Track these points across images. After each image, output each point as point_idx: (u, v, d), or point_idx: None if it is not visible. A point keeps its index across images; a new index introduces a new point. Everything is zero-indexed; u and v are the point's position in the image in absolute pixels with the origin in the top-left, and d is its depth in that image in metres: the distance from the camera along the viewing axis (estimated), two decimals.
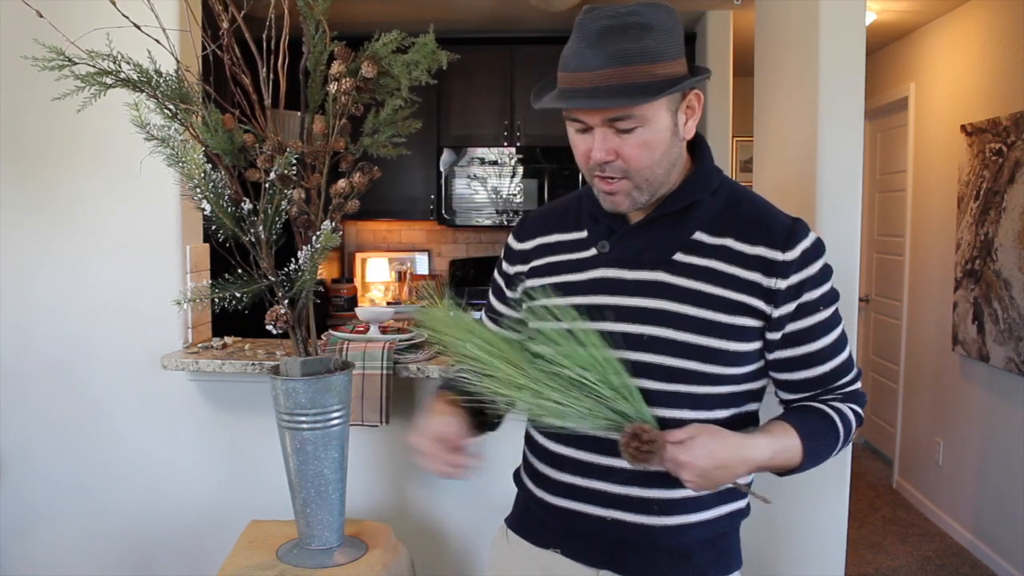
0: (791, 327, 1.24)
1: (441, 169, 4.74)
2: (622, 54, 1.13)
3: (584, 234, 1.32)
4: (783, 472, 1.26)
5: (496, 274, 1.47)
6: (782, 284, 1.21)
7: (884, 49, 4.80)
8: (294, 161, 1.69)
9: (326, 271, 4.90)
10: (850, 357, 1.31)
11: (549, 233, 1.37)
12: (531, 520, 1.38)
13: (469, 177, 4.73)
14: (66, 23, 1.87)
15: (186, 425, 2.45)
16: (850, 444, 1.32)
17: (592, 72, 1.14)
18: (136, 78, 1.68)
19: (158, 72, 1.70)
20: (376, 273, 5.16)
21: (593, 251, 1.30)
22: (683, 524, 1.26)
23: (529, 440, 1.41)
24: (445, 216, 4.78)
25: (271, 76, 1.74)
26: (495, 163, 4.71)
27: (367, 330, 2.33)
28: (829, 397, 1.30)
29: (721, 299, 1.21)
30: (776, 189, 2.85)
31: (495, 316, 1.47)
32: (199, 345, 2.42)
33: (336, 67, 1.72)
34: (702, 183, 1.26)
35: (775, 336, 1.24)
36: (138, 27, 1.72)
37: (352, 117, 1.78)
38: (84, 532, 2.51)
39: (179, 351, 2.38)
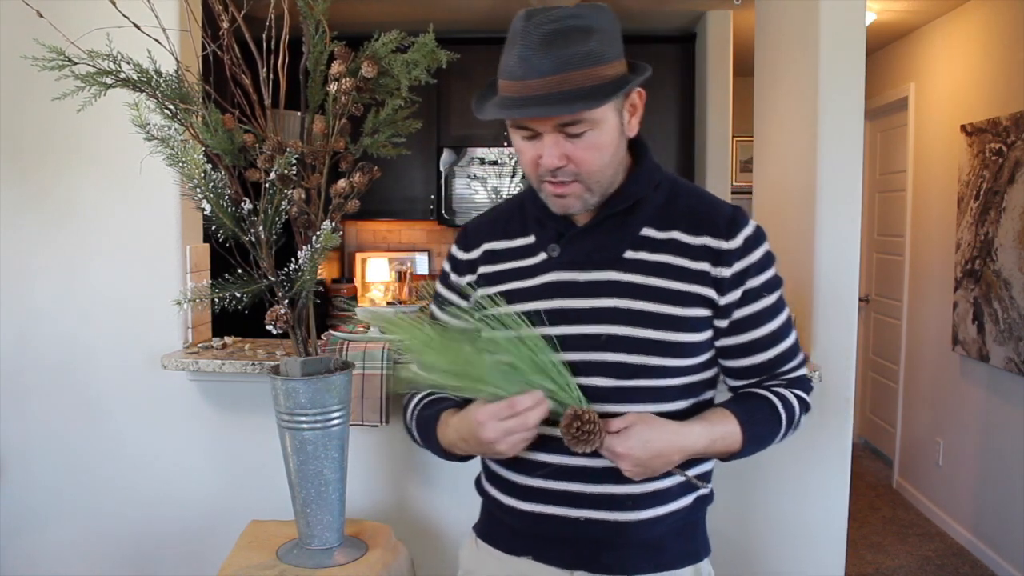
0: (737, 314, 1.27)
1: (441, 169, 4.74)
2: (569, 59, 1.12)
3: (531, 239, 1.32)
4: (725, 457, 1.29)
5: (441, 287, 1.43)
6: (727, 272, 1.24)
7: (884, 49, 4.80)
8: (294, 161, 1.69)
9: (326, 271, 4.90)
10: (795, 343, 1.33)
11: (495, 240, 1.36)
12: (499, 528, 1.37)
13: (469, 177, 4.73)
14: (66, 23, 1.87)
15: (186, 425, 2.45)
16: (797, 429, 1.34)
17: (541, 79, 1.13)
18: (136, 78, 1.68)
19: (158, 72, 1.70)
20: (376, 273, 5.16)
21: (543, 256, 1.29)
22: (655, 517, 1.26)
23: None
24: (445, 216, 4.78)
25: (271, 76, 1.74)
26: (495, 163, 4.71)
27: (367, 330, 2.33)
28: (773, 383, 1.32)
29: (674, 292, 1.23)
30: (776, 189, 2.85)
31: None
32: (199, 345, 2.42)
33: (336, 67, 1.72)
34: (645, 180, 1.28)
35: (723, 324, 1.27)
36: (138, 27, 1.72)
37: (352, 117, 1.78)
38: (84, 532, 2.51)
39: (179, 351, 2.38)
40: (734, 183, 4.73)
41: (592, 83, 1.13)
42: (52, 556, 2.53)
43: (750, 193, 3.28)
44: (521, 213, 1.35)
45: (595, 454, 1.21)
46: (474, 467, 2.36)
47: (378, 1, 3.89)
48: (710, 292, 1.24)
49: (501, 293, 1.31)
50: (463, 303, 1.37)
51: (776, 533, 2.40)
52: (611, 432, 1.16)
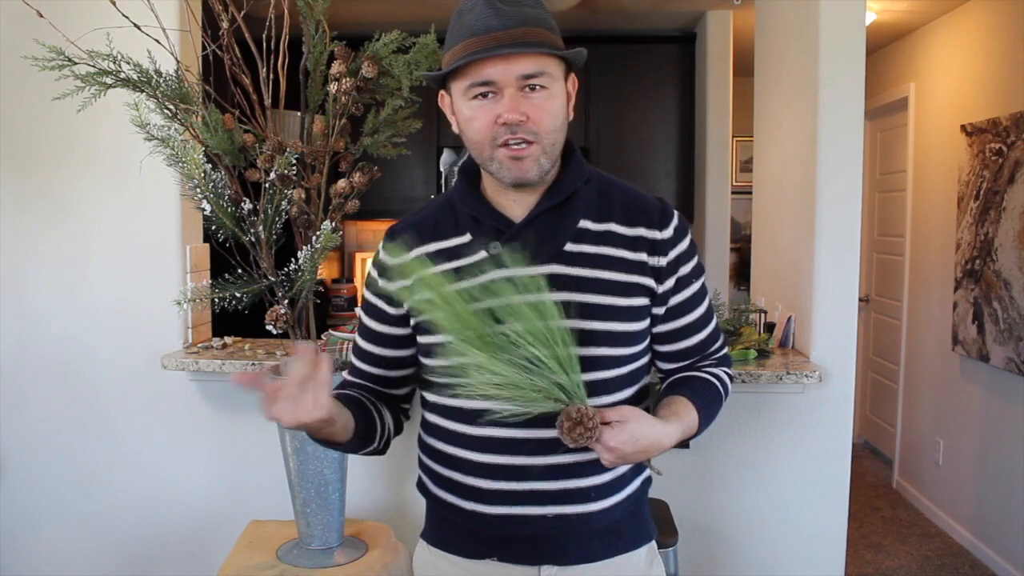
0: (672, 300, 1.31)
1: (441, 169, 4.74)
2: (532, 17, 1.20)
3: (467, 238, 1.28)
4: (681, 440, 1.29)
5: (369, 294, 1.37)
6: (663, 261, 1.28)
7: (884, 49, 4.80)
8: (294, 161, 1.69)
9: (326, 271, 4.90)
10: (717, 324, 1.41)
11: (425, 243, 1.30)
12: (456, 532, 1.35)
13: None
14: (66, 23, 1.87)
15: (186, 425, 2.45)
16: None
17: (507, 30, 1.17)
18: (136, 78, 1.68)
19: (158, 72, 1.70)
20: None
21: (482, 253, 1.26)
22: (614, 504, 1.29)
23: (439, 454, 1.39)
24: None
25: (271, 76, 1.74)
26: None
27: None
28: (705, 363, 1.37)
29: (616, 283, 1.25)
30: (776, 189, 2.85)
31: (368, 355, 1.39)
32: (199, 345, 2.42)
33: (336, 67, 1.72)
34: (576, 173, 1.30)
35: (660, 311, 1.31)
36: (138, 27, 1.72)
37: (352, 117, 1.78)
38: (84, 532, 2.51)
39: (179, 351, 2.38)
40: (734, 183, 4.73)
41: (549, 42, 1.20)
42: (52, 556, 2.53)
43: (750, 193, 3.28)
44: (452, 212, 1.31)
45: (562, 451, 1.21)
46: None
47: (378, 1, 3.89)
48: (649, 281, 1.28)
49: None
50: (391, 309, 1.33)
51: (776, 533, 2.40)
52: (604, 423, 1.15)
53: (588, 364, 1.21)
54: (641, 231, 1.28)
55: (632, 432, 1.16)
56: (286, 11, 1.72)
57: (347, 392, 1.41)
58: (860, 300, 3.11)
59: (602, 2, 4.06)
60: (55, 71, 1.66)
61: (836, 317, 2.39)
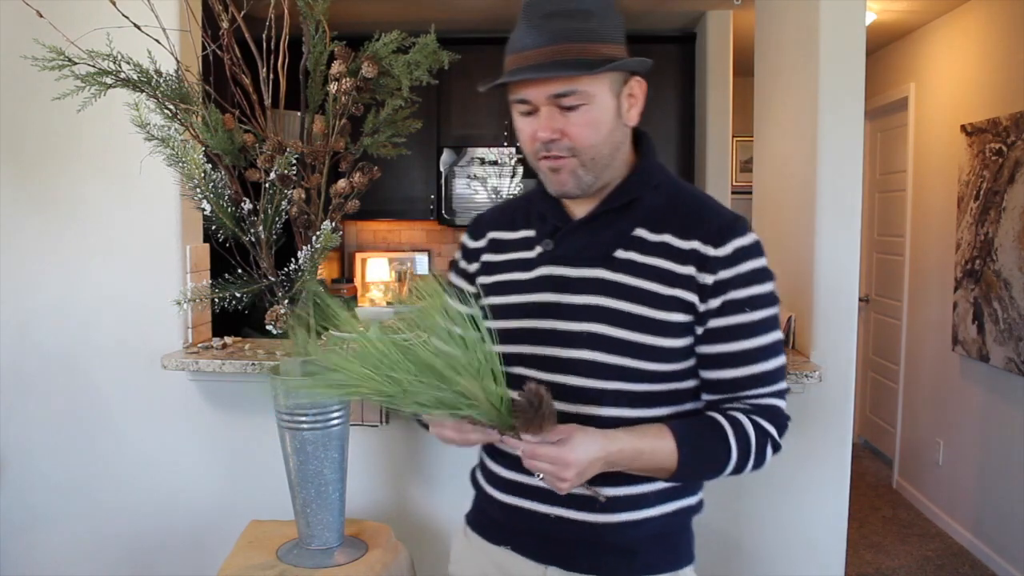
0: (713, 323, 1.22)
1: (441, 169, 4.74)
2: (567, 32, 1.17)
3: (532, 232, 1.34)
4: (672, 477, 1.22)
5: (452, 274, 1.46)
6: (710, 279, 1.20)
7: (884, 49, 4.80)
8: (294, 161, 1.69)
9: (326, 271, 4.90)
10: (775, 371, 1.24)
11: (501, 230, 1.39)
12: (485, 518, 1.40)
13: (469, 177, 4.73)
14: (66, 23, 1.87)
15: (186, 425, 2.45)
16: (761, 462, 1.24)
17: (537, 49, 1.18)
18: (136, 78, 1.68)
19: (158, 72, 1.70)
20: (376, 273, 5.16)
21: (539, 249, 1.31)
22: (627, 521, 1.25)
23: None
24: (445, 216, 4.77)
25: (271, 76, 1.74)
26: (495, 163, 4.71)
27: (367, 331, 2.33)
28: (735, 405, 1.24)
29: (656, 295, 1.21)
30: (776, 189, 2.85)
31: None
32: (199, 345, 2.42)
33: (336, 67, 1.72)
34: (643, 179, 1.28)
35: (700, 331, 1.23)
36: (138, 27, 1.72)
37: (352, 117, 1.78)
38: (84, 532, 2.51)
39: (179, 351, 2.38)
40: (734, 183, 4.73)
41: (587, 56, 1.17)
42: (52, 555, 2.53)
43: (750, 193, 3.28)
44: (528, 206, 1.37)
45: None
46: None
47: (378, 1, 3.89)
48: (692, 297, 1.21)
49: (498, 283, 1.33)
50: (471, 288, 1.39)
51: (776, 533, 2.40)
52: (552, 441, 1.12)
53: (613, 373, 1.22)
54: (695, 244, 1.21)
55: (582, 443, 1.12)
56: (286, 11, 1.72)
57: None
58: (860, 300, 3.11)
59: None
60: (55, 71, 1.66)
61: (836, 317, 2.39)
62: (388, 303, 4.96)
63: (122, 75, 1.68)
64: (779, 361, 1.25)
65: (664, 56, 4.63)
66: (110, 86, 1.69)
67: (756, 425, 1.22)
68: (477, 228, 1.43)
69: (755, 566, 2.41)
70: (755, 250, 1.23)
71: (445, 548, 2.41)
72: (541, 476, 1.14)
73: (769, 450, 1.24)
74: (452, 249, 5.23)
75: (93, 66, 1.67)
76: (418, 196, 4.83)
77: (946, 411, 4.03)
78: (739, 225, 1.23)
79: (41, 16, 1.81)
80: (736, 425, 1.21)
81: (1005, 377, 3.43)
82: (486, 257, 1.38)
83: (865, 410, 5.21)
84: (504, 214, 1.41)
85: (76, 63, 1.67)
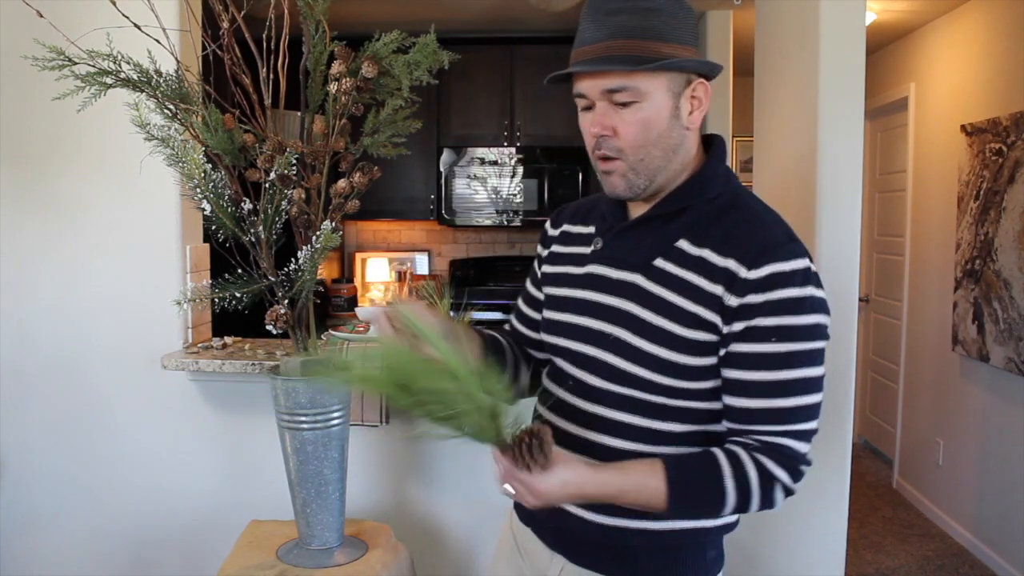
0: (735, 347, 1.16)
1: (441, 169, 4.74)
2: (626, 28, 1.15)
3: (592, 229, 1.36)
4: (664, 515, 1.19)
5: (535, 262, 1.50)
6: (735, 301, 1.15)
7: (884, 49, 4.80)
8: (294, 161, 1.69)
9: (326, 271, 4.90)
10: (798, 409, 1.15)
11: (573, 223, 1.41)
12: None
13: (469, 177, 4.73)
14: (66, 23, 1.87)
15: (186, 425, 2.45)
16: (770, 503, 1.17)
17: (595, 44, 1.17)
18: (136, 78, 1.68)
19: (158, 72, 1.70)
20: (376, 273, 5.16)
21: (592, 247, 1.33)
22: (622, 527, 1.24)
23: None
24: (445, 216, 4.77)
25: (271, 76, 1.74)
26: (495, 163, 4.71)
27: (367, 330, 2.33)
28: (743, 440, 1.18)
29: (683, 311, 1.18)
30: (776, 189, 2.85)
31: (519, 313, 1.51)
32: (199, 345, 2.42)
33: (336, 67, 1.72)
34: (699, 188, 1.24)
35: (722, 352, 1.18)
36: (138, 27, 1.72)
37: (352, 117, 1.78)
38: (84, 532, 2.51)
39: (179, 351, 2.38)
40: None
41: (644, 54, 1.15)
42: (52, 556, 2.53)
43: None
44: (599, 204, 1.38)
45: (577, 447, 1.24)
46: (474, 468, 2.36)
47: (378, 1, 3.89)
48: (714, 317, 1.16)
49: (556, 274, 1.38)
50: (537, 274, 1.46)
51: (776, 533, 2.39)
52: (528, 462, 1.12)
53: (629, 380, 1.22)
54: (730, 263, 1.16)
55: (560, 476, 1.12)
56: (286, 11, 1.72)
57: (491, 333, 1.47)
58: (860, 300, 3.10)
59: None
60: (55, 71, 1.66)
61: (836, 317, 2.37)
62: (388, 303, 4.96)
63: (122, 75, 1.68)
64: (804, 400, 1.15)
65: None
66: (110, 86, 1.69)
67: (759, 466, 1.15)
68: (558, 218, 1.46)
69: (755, 566, 2.41)
70: (796, 278, 1.14)
71: (445, 548, 2.42)
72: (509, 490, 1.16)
73: (778, 493, 1.17)
74: (452, 249, 5.24)
75: (93, 66, 1.67)
76: (418, 196, 4.83)
77: (946, 411, 4.02)
78: (785, 249, 1.15)
79: (41, 16, 1.81)
80: (736, 465, 1.15)
81: (1005, 377, 3.43)
82: (555, 247, 1.42)
83: (865, 410, 5.21)
84: (581, 208, 1.43)
85: (76, 63, 1.67)
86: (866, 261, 5.06)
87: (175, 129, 1.71)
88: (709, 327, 1.17)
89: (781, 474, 1.16)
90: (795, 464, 1.17)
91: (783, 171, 2.77)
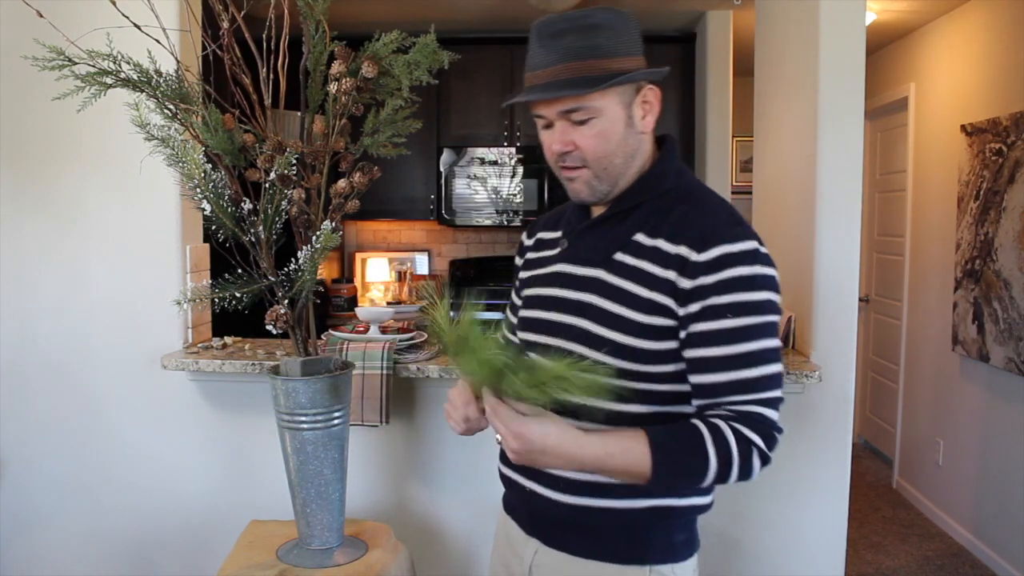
0: (694, 328, 1.22)
1: (441, 169, 4.74)
2: (573, 51, 1.23)
3: (559, 233, 1.44)
4: (648, 484, 1.21)
5: (515, 273, 1.60)
6: (688, 284, 1.22)
7: (884, 49, 4.80)
8: (294, 161, 1.69)
9: (326, 271, 4.90)
10: (763, 378, 1.21)
11: (545, 230, 1.50)
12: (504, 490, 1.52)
13: (469, 177, 4.73)
14: (66, 23, 1.87)
15: (186, 425, 2.45)
16: (748, 472, 1.20)
17: (546, 69, 1.25)
18: (136, 78, 1.68)
19: (158, 72, 1.70)
20: (376, 273, 5.16)
21: (559, 248, 1.42)
22: (589, 506, 1.30)
23: None
24: (445, 216, 4.77)
25: (271, 76, 1.74)
26: (495, 163, 4.71)
27: (367, 330, 2.33)
28: (718, 412, 1.22)
29: (639, 298, 1.25)
30: (776, 189, 2.85)
31: (508, 322, 1.60)
32: (199, 345, 2.42)
33: (336, 67, 1.72)
34: (650, 185, 1.32)
35: (683, 335, 1.24)
36: (138, 27, 1.72)
37: (352, 117, 1.78)
38: (84, 532, 2.51)
39: (179, 351, 2.38)
40: (734, 183, 4.73)
41: (593, 73, 1.22)
42: (52, 556, 2.53)
43: (750, 193, 3.28)
44: (566, 210, 1.47)
45: None
46: (474, 468, 2.36)
47: (378, 1, 3.89)
48: (668, 301, 1.23)
49: (531, 276, 1.47)
50: (517, 282, 1.56)
51: (776, 533, 2.40)
52: (520, 411, 1.18)
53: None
54: (681, 249, 1.23)
55: (543, 425, 1.18)
56: (286, 11, 1.72)
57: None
58: (860, 300, 3.10)
59: (602, 2, 4.06)
60: (55, 71, 1.66)
61: (836, 317, 2.39)
62: (388, 303, 4.96)
63: (122, 75, 1.68)
64: (767, 369, 1.21)
65: (664, 56, 4.62)
66: (110, 86, 1.69)
67: (737, 433, 1.18)
68: (532, 228, 1.56)
69: (755, 566, 2.41)
70: (744, 257, 1.21)
71: (445, 548, 2.42)
72: (499, 439, 1.22)
73: (756, 460, 1.20)
74: (452, 249, 5.24)
75: (93, 66, 1.67)
76: (418, 196, 4.83)
77: (946, 411, 4.03)
78: (730, 232, 1.22)
79: (41, 16, 1.80)
80: (716, 432, 1.18)
81: (1005, 377, 3.43)
82: (529, 255, 1.52)
83: (865, 410, 5.21)
84: (552, 216, 1.52)
85: (76, 63, 1.67)
86: (866, 261, 5.06)
87: (175, 129, 1.71)
88: (665, 312, 1.24)
89: (758, 440, 1.20)
90: (769, 430, 1.21)
91: (783, 171, 2.77)
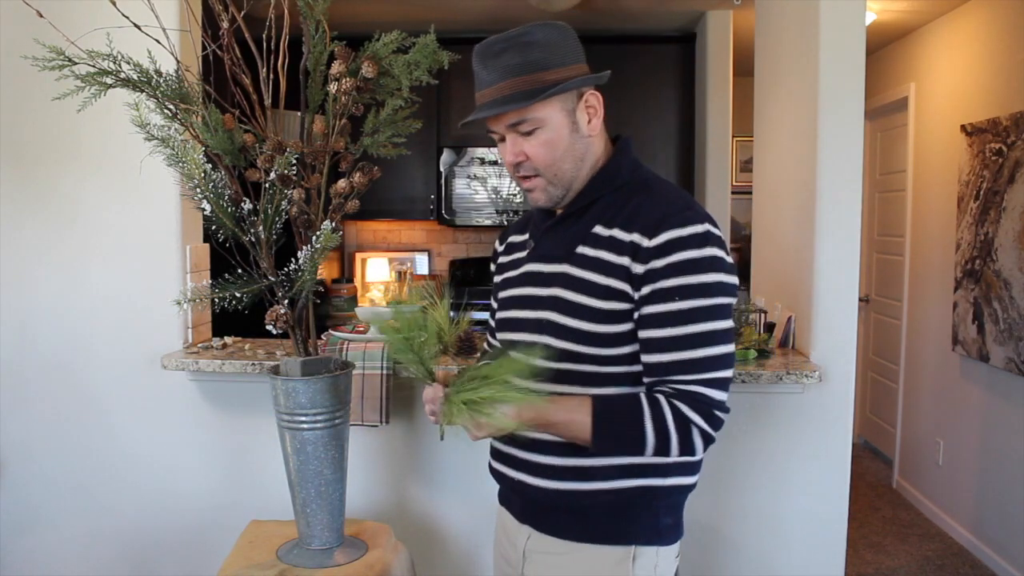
0: (645, 310, 1.29)
1: (441, 169, 4.74)
2: (512, 67, 1.32)
3: (527, 236, 1.53)
4: (594, 449, 1.30)
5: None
6: (640, 269, 1.28)
7: (884, 49, 4.80)
8: (294, 161, 1.69)
9: (326, 271, 4.90)
10: (707, 359, 1.26)
11: (515, 234, 1.59)
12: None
13: (469, 177, 4.73)
14: (66, 23, 1.87)
15: (186, 425, 2.45)
16: (689, 448, 1.27)
17: (490, 87, 1.34)
18: (136, 78, 1.68)
19: (158, 72, 1.70)
20: (376, 273, 5.16)
21: (527, 250, 1.50)
22: (574, 490, 1.36)
23: None
24: (445, 216, 4.78)
25: (271, 76, 1.74)
26: (495, 163, 4.71)
27: (367, 330, 2.33)
28: (662, 388, 1.29)
29: (598, 285, 1.32)
30: (776, 189, 2.85)
31: (488, 324, 1.67)
32: (199, 345, 2.42)
33: (336, 67, 1.72)
34: (604, 181, 1.39)
35: (636, 317, 1.31)
36: (138, 27, 1.72)
37: (352, 117, 1.78)
38: (84, 532, 2.51)
39: (179, 351, 2.38)
40: (734, 183, 4.73)
41: (531, 87, 1.31)
42: (52, 555, 2.53)
43: (750, 193, 3.28)
44: (533, 214, 1.55)
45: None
46: (474, 468, 2.36)
47: (378, 1, 3.89)
48: (624, 286, 1.30)
49: (503, 279, 1.54)
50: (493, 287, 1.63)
51: (776, 533, 2.40)
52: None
53: (567, 356, 1.34)
54: (634, 236, 1.30)
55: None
56: (286, 11, 1.72)
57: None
58: (860, 300, 3.11)
59: (602, 2, 4.06)
60: (55, 71, 1.66)
61: (836, 317, 2.39)
62: (388, 303, 4.96)
63: (122, 75, 1.68)
64: (711, 351, 1.26)
65: (664, 56, 4.63)
66: (110, 86, 1.69)
67: (675, 409, 1.26)
68: (504, 234, 1.64)
69: (755, 566, 2.41)
70: (692, 240, 1.26)
71: (445, 548, 2.42)
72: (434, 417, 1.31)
73: (696, 438, 1.27)
74: (452, 249, 5.24)
75: (93, 66, 1.67)
76: (418, 196, 4.83)
77: (946, 411, 4.03)
78: (679, 217, 1.28)
79: (41, 16, 1.80)
80: (655, 406, 1.26)
81: (1005, 377, 3.43)
82: (501, 259, 1.59)
83: (865, 410, 5.22)
84: (521, 221, 1.61)
85: (76, 63, 1.67)
86: (866, 261, 5.06)
87: (175, 129, 1.71)
88: (621, 296, 1.31)
89: (696, 418, 1.26)
90: (709, 409, 1.28)
91: (783, 171, 2.77)
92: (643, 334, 1.30)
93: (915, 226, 4.43)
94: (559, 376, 1.35)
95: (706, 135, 4.42)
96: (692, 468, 1.40)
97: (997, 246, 3.43)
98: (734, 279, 1.30)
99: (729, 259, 1.30)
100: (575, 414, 1.29)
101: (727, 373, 1.29)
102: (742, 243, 5.32)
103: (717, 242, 1.28)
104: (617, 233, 1.33)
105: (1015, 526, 3.36)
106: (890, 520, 4.16)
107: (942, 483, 4.05)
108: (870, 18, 3.95)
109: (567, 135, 1.35)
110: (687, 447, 1.27)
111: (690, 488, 1.42)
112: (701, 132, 4.51)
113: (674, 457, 1.30)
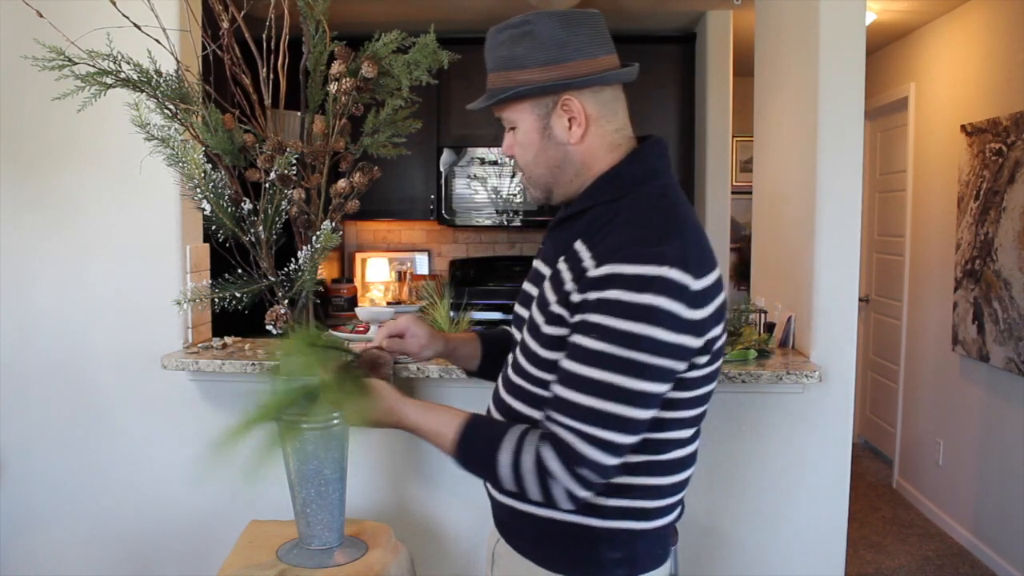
0: (570, 338, 1.16)
1: (441, 169, 4.74)
2: (498, 60, 1.26)
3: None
4: (460, 463, 1.26)
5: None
6: (578, 297, 1.15)
7: (884, 49, 4.80)
8: (294, 161, 1.69)
9: (326, 271, 4.90)
10: (590, 411, 1.11)
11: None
12: None
13: (469, 177, 4.73)
14: (66, 23, 1.87)
15: (186, 425, 2.45)
16: (548, 499, 1.16)
17: (488, 76, 1.29)
18: (136, 78, 1.68)
19: (158, 72, 1.71)
20: (376, 273, 5.16)
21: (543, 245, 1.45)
22: (513, 508, 1.30)
23: None
24: (445, 216, 4.78)
25: (271, 76, 1.74)
26: (495, 163, 4.71)
27: (367, 330, 2.33)
28: (543, 424, 1.18)
29: (548, 307, 1.22)
30: (776, 189, 2.85)
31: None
32: (199, 345, 2.42)
33: (336, 67, 1.72)
34: (598, 191, 1.25)
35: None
36: (138, 27, 1.72)
37: (352, 117, 1.78)
38: (84, 532, 2.51)
39: (179, 351, 2.38)
40: (734, 183, 4.73)
41: (503, 85, 1.25)
42: (52, 555, 2.53)
43: (750, 193, 3.28)
44: None
45: None
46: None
47: (378, 1, 3.89)
48: (564, 311, 1.18)
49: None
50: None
51: (776, 533, 2.40)
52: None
53: (518, 371, 1.29)
54: (587, 260, 1.17)
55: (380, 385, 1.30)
56: (286, 11, 1.72)
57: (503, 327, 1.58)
58: (860, 300, 3.10)
59: (602, 2, 4.06)
60: (55, 71, 1.66)
61: (836, 317, 2.39)
62: (388, 303, 4.96)
63: (122, 75, 1.68)
64: (600, 404, 1.11)
65: (664, 56, 4.62)
66: (110, 86, 1.69)
67: (537, 455, 1.14)
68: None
69: (755, 566, 2.41)
70: (632, 283, 1.09)
71: (445, 548, 2.42)
72: None
73: (557, 492, 1.14)
74: (452, 249, 5.24)
75: (93, 66, 1.67)
76: (418, 196, 4.83)
77: (946, 411, 4.03)
78: (636, 252, 1.11)
79: (41, 16, 1.81)
80: (520, 444, 1.17)
81: (1005, 377, 3.43)
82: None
83: (865, 410, 5.21)
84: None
85: (76, 63, 1.67)
86: (866, 261, 5.06)
87: (175, 129, 1.71)
88: (560, 321, 1.19)
89: (558, 470, 1.13)
90: (575, 466, 1.12)
91: (783, 171, 2.77)
92: (560, 360, 1.18)
93: (915, 226, 4.43)
94: (514, 390, 1.30)
95: (706, 135, 4.42)
96: (647, 514, 1.24)
97: (997, 246, 3.43)
98: (677, 337, 1.10)
99: (685, 313, 1.10)
100: (444, 428, 1.24)
101: (614, 436, 1.11)
102: (742, 243, 5.32)
103: (671, 291, 1.08)
104: (582, 251, 1.19)
105: (1015, 526, 3.36)
106: (890, 520, 4.16)
107: (942, 483, 4.05)
108: (870, 18, 3.95)
109: (537, 140, 1.25)
110: (547, 497, 1.15)
111: (647, 533, 1.26)
112: (701, 132, 4.51)
113: (534, 500, 1.19)
